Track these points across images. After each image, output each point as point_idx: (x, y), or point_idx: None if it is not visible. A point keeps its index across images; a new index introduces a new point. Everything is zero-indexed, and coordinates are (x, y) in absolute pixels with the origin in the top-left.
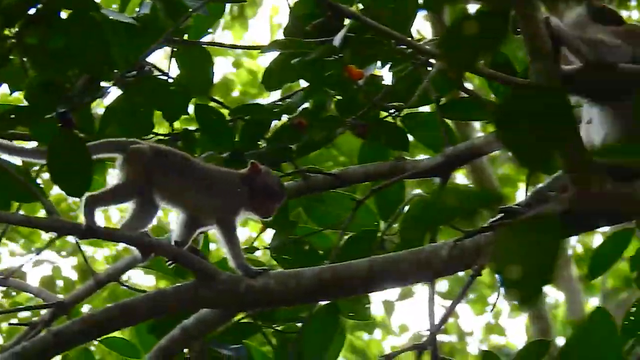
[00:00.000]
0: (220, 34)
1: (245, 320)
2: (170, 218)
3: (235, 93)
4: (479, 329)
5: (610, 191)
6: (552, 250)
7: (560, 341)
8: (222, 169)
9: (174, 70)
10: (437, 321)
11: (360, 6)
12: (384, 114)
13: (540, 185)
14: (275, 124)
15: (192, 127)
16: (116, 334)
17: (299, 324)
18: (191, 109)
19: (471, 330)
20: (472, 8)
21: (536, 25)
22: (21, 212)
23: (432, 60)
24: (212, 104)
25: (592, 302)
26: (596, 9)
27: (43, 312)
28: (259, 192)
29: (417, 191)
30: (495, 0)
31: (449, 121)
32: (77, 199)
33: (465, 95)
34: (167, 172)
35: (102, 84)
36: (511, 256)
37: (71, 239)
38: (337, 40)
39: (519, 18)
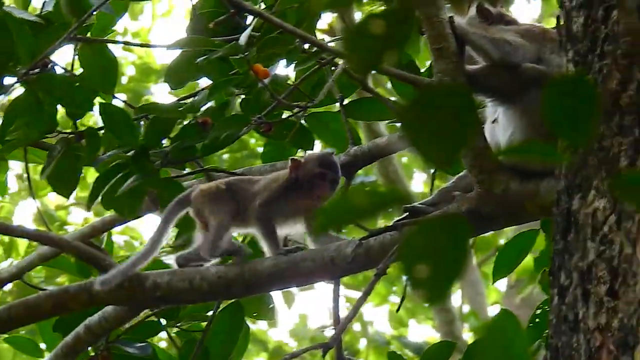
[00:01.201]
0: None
1: (150, 319)
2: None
3: (124, 78)
4: (380, 318)
5: (515, 190)
6: (459, 249)
7: (466, 336)
8: (277, 174)
9: (80, 68)
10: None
11: (263, 5)
12: (289, 112)
13: (446, 184)
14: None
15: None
16: (20, 332)
17: (204, 323)
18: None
19: (371, 320)
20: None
21: (440, 25)
22: None
23: (338, 59)
24: (116, 101)
25: (495, 291)
26: (485, 10)
27: None
28: (305, 184)
29: None
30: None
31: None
32: None
33: (370, 95)
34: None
35: (6, 80)
36: (417, 255)
37: None
38: (242, 38)
39: (423, 18)
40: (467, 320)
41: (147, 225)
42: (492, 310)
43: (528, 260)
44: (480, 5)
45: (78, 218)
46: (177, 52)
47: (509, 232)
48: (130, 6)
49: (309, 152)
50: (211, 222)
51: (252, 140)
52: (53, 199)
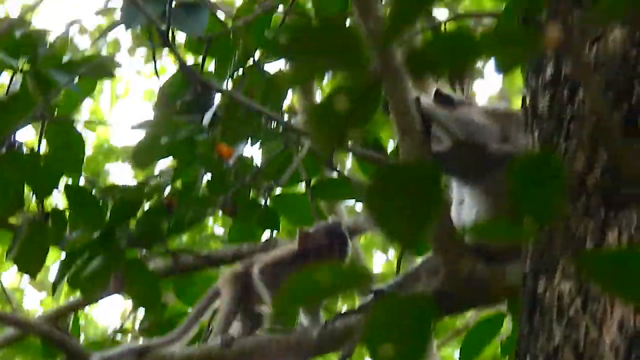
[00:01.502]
0: None
1: None
2: None
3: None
4: None
5: (481, 272)
6: (424, 331)
7: None
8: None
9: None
10: None
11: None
12: (255, 193)
13: (413, 265)
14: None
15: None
16: None
17: None
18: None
19: None
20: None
21: (406, 104)
22: None
23: (304, 139)
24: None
25: None
26: (444, 95)
27: None
28: (313, 255)
29: None
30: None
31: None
32: None
33: (336, 176)
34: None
35: None
36: (382, 337)
37: None
38: (205, 118)
39: (389, 97)
40: None
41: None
42: None
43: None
44: (439, 91)
45: (33, 300)
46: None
47: (469, 315)
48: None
49: (316, 223)
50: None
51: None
52: (5, 280)
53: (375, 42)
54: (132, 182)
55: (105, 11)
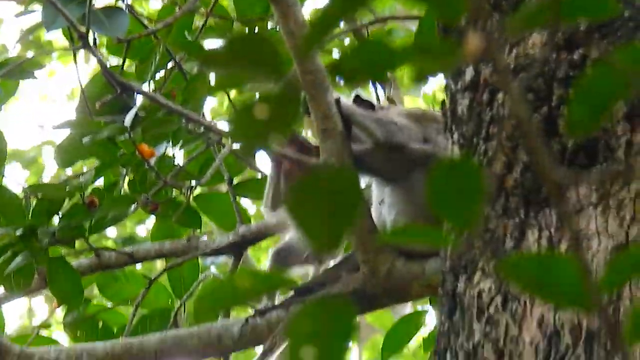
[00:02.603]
0: None
1: None
2: None
3: None
4: None
5: (400, 270)
6: (345, 329)
7: None
8: None
9: None
10: None
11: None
12: (177, 192)
13: (333, 263)
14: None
15: None
16: None
17: None
18: None
19: None
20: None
21: (327, 106)
22: None
23: (225, 140)
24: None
25: None
26: (364, 100)
27: None
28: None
29: (212, 270)
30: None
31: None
32: None
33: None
34: None
35: None
36: (303, 336)
37: None
38: (127, 119)
39: (309, 99)
40: None
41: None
42: None
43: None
44: (358, 95)
45: None
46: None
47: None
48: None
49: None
50: None
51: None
52: None
53: (296, 47)
54: (22, 185)
55: (26, 13)
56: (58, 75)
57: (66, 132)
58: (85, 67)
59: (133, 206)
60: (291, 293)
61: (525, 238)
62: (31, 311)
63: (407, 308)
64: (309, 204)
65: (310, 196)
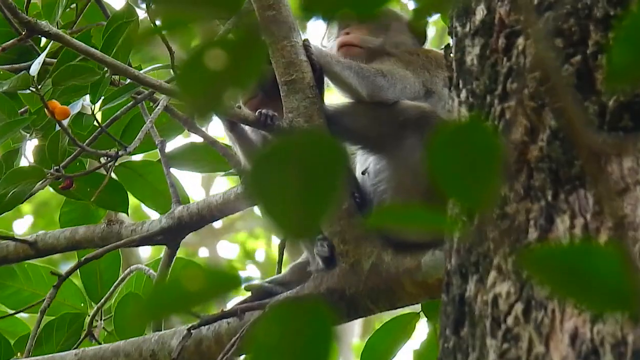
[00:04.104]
0: None
1: None
2: None
3: None
4: None
5: (388, 265)
6: (322, 339)
7: None
8: None
9: None
10: None
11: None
12: (95, 163)
13: (300, 258)
14: None
15: None
16: None
17: None
18: None
19: None
20: None
21: (292, 51)
22: None
23: (159, 95)
24: None
25: None
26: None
27: None
28: None
29: (137, 265)
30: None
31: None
32: None
33: (200, 140)
34: None
35: None
36: (270, 349)
37: None
38: (33, 68)
39: (269, 42)
40: None
41: None
42: None
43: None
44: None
45: None
46: None
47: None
48: None
49: None
50: None
51: None
52: None
53: None
54: None
55: None
56: None
57: None
58: None
59: (40, 182)
60: (247, 295)
61: (554, 226)
62: None
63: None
64: (276, 180)
65: (278, 169)
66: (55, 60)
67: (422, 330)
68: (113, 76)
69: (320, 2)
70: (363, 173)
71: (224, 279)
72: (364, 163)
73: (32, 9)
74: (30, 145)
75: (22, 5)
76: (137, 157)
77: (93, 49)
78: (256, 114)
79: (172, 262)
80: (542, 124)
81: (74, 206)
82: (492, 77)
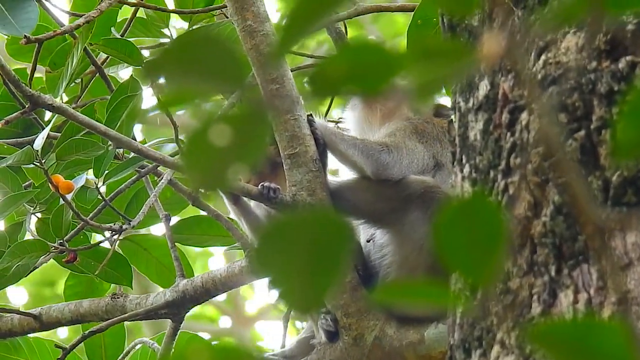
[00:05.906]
0: None
1: None
2: None
3: None
4: None
5: (391, 339)
6: None
7: None
8: None
9: None
10: None
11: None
12: (99, 237)
13: (304, 331)
14: None
15: None
16: None
17: None
18: None
19: None
20: None
21: (296, 124)
22: None
23: (164, 169)
24: None
25: None
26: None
27: None
28: None
29: (142, 339)
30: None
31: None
32: None
33: (204, 214)
34: None
35: None
36: None
37: None
38: (37, 142)
39: (272, 115)
40: None
41: None
42: None
43: None
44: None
45: None
46: None
47: None
48: None
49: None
50: None
51: None
52: None
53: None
54: None
55: None
56: None
57: None
58: None
59: (44, 256)
60: None
61: (558, 301)
62: None
63: None
64: (283, 255)
65: (284, 245)
66: (59, 134)
67: None
68: (117, 149)
69: (328, 82)
70: (368, 241)
71: (233, 354)
72: (368, 230)
73: (36, 83)
74: (34, 219)
75: (26, 78)
76: (142, 231)
77: (96, 122)
78: (259, 187)
79: (177, 336)
80: (546, 199)
81: (78, 280)
82: (495, 152)
